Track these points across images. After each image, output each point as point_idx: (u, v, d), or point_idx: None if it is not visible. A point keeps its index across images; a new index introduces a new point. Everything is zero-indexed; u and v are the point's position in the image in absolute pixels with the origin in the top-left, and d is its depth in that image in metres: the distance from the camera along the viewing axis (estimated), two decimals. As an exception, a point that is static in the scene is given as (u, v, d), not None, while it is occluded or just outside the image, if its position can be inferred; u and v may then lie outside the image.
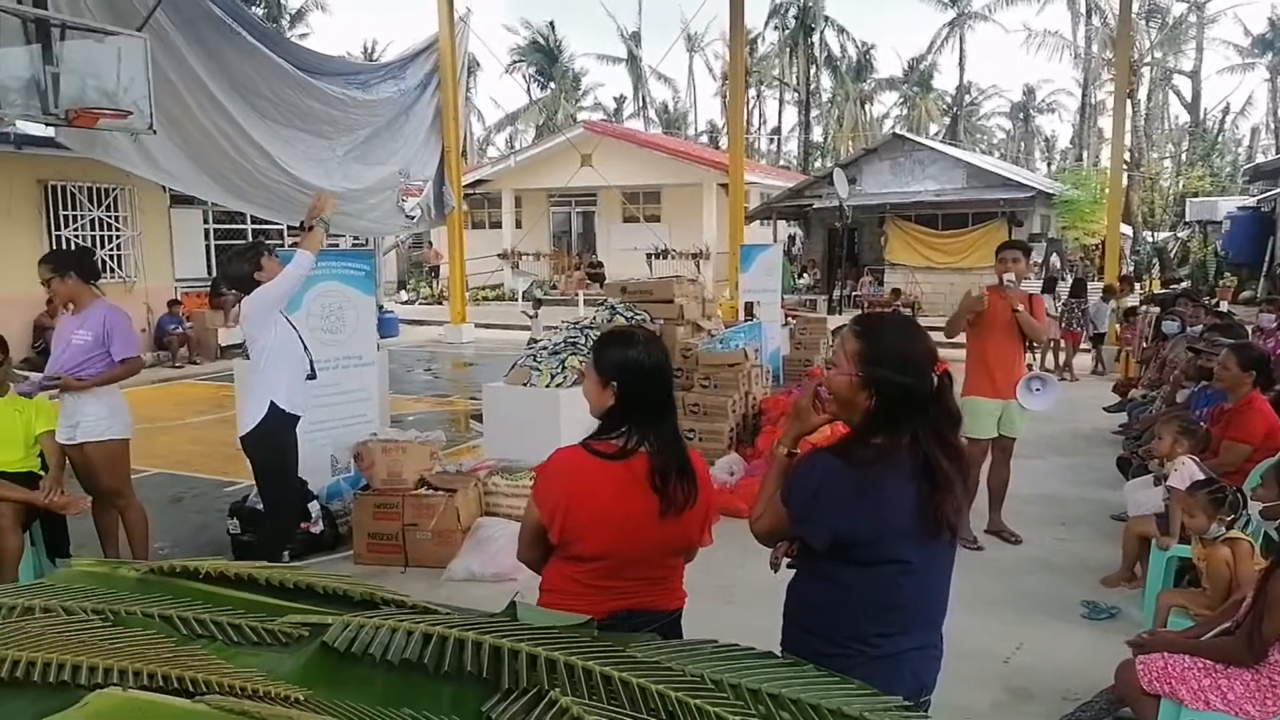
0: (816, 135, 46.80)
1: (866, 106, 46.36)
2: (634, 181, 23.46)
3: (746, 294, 10.45)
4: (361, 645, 1.84)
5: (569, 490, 2.22)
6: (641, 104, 47.06)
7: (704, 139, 46.00)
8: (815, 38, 42.74)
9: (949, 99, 47.37)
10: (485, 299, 23.09)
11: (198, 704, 1.62)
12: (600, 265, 23.77)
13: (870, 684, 1.85)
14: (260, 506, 4.97)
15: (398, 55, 13.44)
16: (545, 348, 6.76)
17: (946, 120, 46.91)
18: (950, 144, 29.50)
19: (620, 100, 48.64)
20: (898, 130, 28.18)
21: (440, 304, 21.81)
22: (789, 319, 11.45)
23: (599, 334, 2.77)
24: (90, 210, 13.98)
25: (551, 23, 44.15)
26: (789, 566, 2.19)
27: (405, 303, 23.67)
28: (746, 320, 9.43)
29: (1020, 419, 5.35)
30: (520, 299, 22.60)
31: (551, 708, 1.65)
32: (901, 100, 48.05)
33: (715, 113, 49.91)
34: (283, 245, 16.45)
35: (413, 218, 13.45)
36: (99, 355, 4.49)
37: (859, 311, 11.01)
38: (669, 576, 2.35)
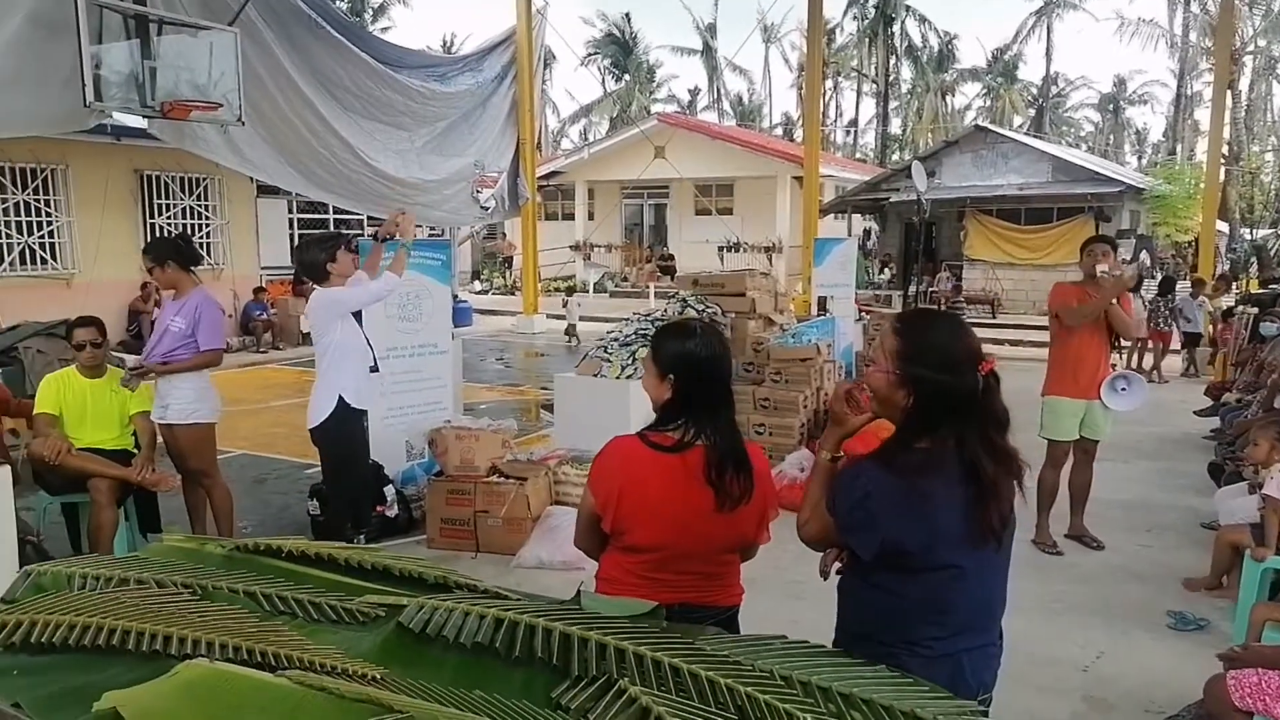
0: (894, 127, 45.92)
1: (947, 98, 45.26)
2: (707, 174, 23.34)
3: (820, 288, 10.31)
4: (436, 627, 1.88)
5: (623, 480, 2.23)
6: (716, 96, 46.80)
7: (778, 131, 45.52)
8: (895, 27, 41.86)
9: (1035, 90, 45.92)
10: (557, 290, 23.29)
11: (279, 678, 1.67)
12: (671, 258, 23.75)
13: (933, 686, 1.82)
14: (336, 490, 5.11)
15: (475, 48, 13.63)
16: (616, 339, 6.78)
17: (1031, 112, 45.50)
18: (1035, 137, 28.60)
19: (694, 92, 48.47)
20: (980, 122, 27.39)
21: (513, 294, 22.09)
22: (863, 314, 11.27)
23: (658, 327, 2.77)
24: (182, 199, 14.55)
25: (627, 15, 44.19)
26: (838, 573, 2.17)
27: (479, 293, 24.05)
28: (819, 315, 9.31)
29: (1104, 420, 5.16)
30: (592, 291, 22.78)
31: (620, 696, 1.66)
32: (984, 91, 46.77)
33: (791, 105, 49.43)
34: (361, 235, 16.87)
35: (487, 209, 13.64)
36: (190, 343, 4.65)
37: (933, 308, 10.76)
38: (725, 573, 2.33)
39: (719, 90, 46.72)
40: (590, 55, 44.02)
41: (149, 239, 13.95)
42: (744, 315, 7.15)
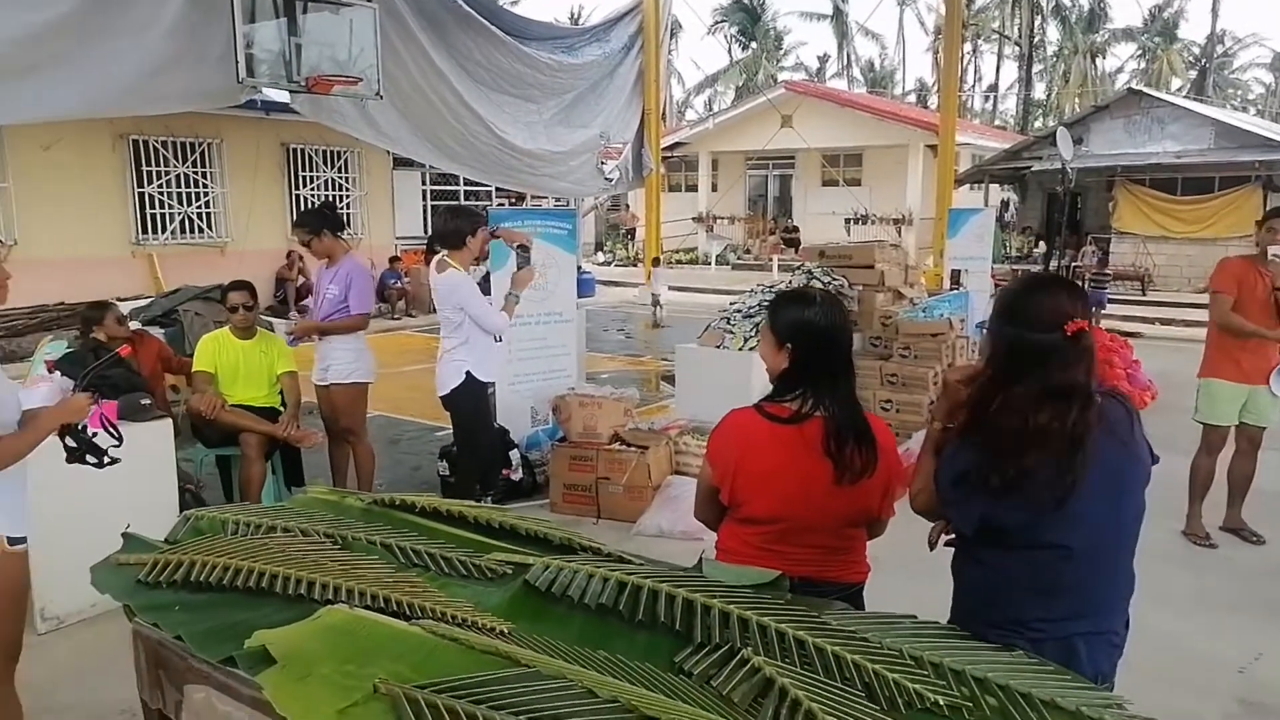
0: (1038, 92, 43.47)
1: (1097, 60, 42.45)
2: (835, 143, 22.74)
3: (953, 261, 9.92)
4: (561, 586, 1.92)
5: (740, 451, 2.21)
6: (845, 62, 45.45)
7: (911, 99, 43.85)
8: (1042, -15, 39.52)
9: (1196, 50, 42.55)
10: (679, 262, 23.27)
11: (414, 626, 1.74)
12: (796, 230, 23.32)
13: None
14: (464, 452, 5.31)
15: (603, 19, 13.64)
16: (739, 311, 6.72)
17: (1192, 74, 42.20)
18: (1196, 100, 26.53)
19: (823, 59, 47.21)
20: (1134, 85, 25.61)
21: (635, 266, 22.20)
22: (998, 288, 10.78)
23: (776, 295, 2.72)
24: (325, 171, 15.25)
25: (756, -19, 43.32)
26: (946, 544, 2.10)
27: (602, 264, 24.27)
28: (952, 289, 8.96)
29: (1271, 407, 4.77)
30: (714, 263, 22.65)
31: (744, 666, 1.64)
32: (1139, 53, 43.65)
33: (925, 70, 47.46)
34: (490, 205, 17.29)
35: (611, 180, 13.68)
36: (344, 308, 4.93)
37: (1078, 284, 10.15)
38: (848, 547, 2.28)
39: (849, 56, 45.37)
40: (717, 23, 43.44)
41: (294, 209, 14.72)
42: (872, 288, 6.94)
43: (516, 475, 5.58)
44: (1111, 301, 14.53)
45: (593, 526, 5.10)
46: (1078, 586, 1.88)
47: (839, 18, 43.45)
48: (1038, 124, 38.77)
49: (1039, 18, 40.69)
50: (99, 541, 2.36)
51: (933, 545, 2.18)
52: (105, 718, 3.15)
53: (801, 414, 2.17)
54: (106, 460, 2.70)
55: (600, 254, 25.96)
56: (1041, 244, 20.62)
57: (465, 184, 17.72)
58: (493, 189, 17.47)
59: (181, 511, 3.95)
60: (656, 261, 15.93)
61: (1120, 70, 44.06)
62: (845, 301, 6.54)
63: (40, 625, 3.72)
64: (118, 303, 5.88)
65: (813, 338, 2.20)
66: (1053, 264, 18.85)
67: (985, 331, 2.01)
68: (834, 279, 6.77)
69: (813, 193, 25.15)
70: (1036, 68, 42.20)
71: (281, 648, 1.63)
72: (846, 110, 23.07)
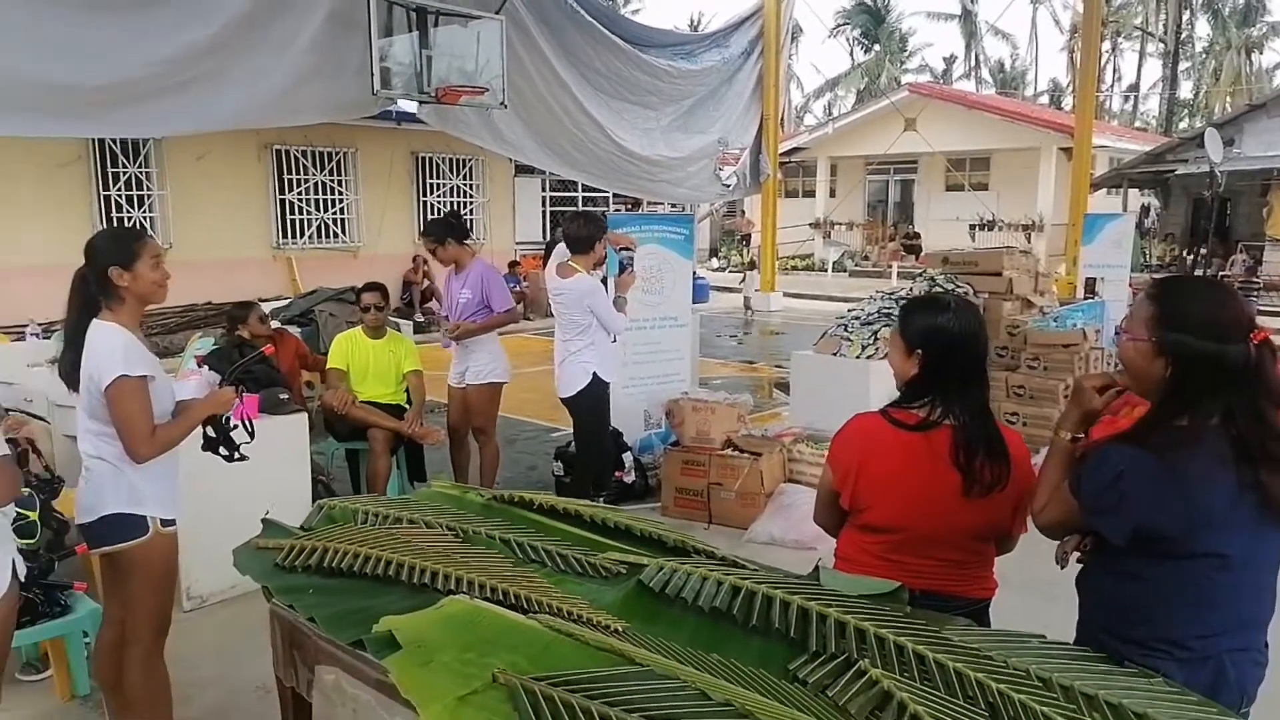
0: (1184, 91, 40.96)
1: (1252, 56, 39.66)
2: (961, 147, 22.01)
3: (1088, 269, 9.44)
4: (675, 588, 1.92)
5: (862, 456, 2.16)
6: (974, 63, 43.97)
7: (1044, 100, 42.03)
8: (1191, -22, 37.24)
9: (1366, 42, 39.19)
10: (795, 268, 22.99)
11: (531, 620, 1.78)
12: (917, 236, 22.70)
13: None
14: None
15: (723, 24, 13.63)
16: (858, 318, 6.58)
17: (1361, 68, 38.91)
18: (1365, 96, 24.42)
19: (950, 60, 45.78)
20: (1292, 82, 23.83)
21: (750, 271, 22.04)
22: (1147, 291, 10.18)
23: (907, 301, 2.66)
24: (450, 179, 15.80)
25: (880, -18, 42.45)
26: (1079, 561, 1.99)
27: (716, 269, 24.22)
28: (1086, 298, 8.53)
29: None
30: (830, 270, 22.28)
31: (861, 678, 1.61)
32: (1300, 46, 40.53)
33: (1059, 70, 45.50)
34: (608, 210, 17.54)
35: (729, 186, 13.65)
36: (481, 311, 5.09)
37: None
38: (975, 561, 2.20)
39: (977, 57, 43.87)
40: (839, 26, 42.77)
41: (422, 215, 15.31)
42: (999, 296, 6.68)
43: (629, 478, 5.63)
44: (1261, 313, 13.54)
45: (704, 532, 5.09)
46: (1230, 599, 1.76)
47: (967, 18, 42.10)
48: (1182, 125, 36.52)
49: (1187, 12, 38.33)
50: (239, 526, 2.51)
51: (1063, 562, 2.08)
52: (242, 693, 3.34)
53: (929, 421, 2.11)
54: (236, 456, 2.87)
55: (715, 259, 25.92)
56: (1191, 253, 19.36)
57: (583, 190, 18.03)
58: (610, 195, 17.71)
59: (314, 501, 4.17)
60: (752, 265, 15.96)
61: (1278, 67, 41.05)
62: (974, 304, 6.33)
63: (185, 604, 3.98)
64: (260, 302, 6.25)
65: (944, 345, 2.13)
66: (1199, 272, 17.71)
67: (1126, 338, 1.87)
68: (958, 286, 6.55)
69: (936, 198, 24.42)
70: (1183, 65, 39.76)
71: (406, 634, 1.69)
72: (974, 112, 22.31)
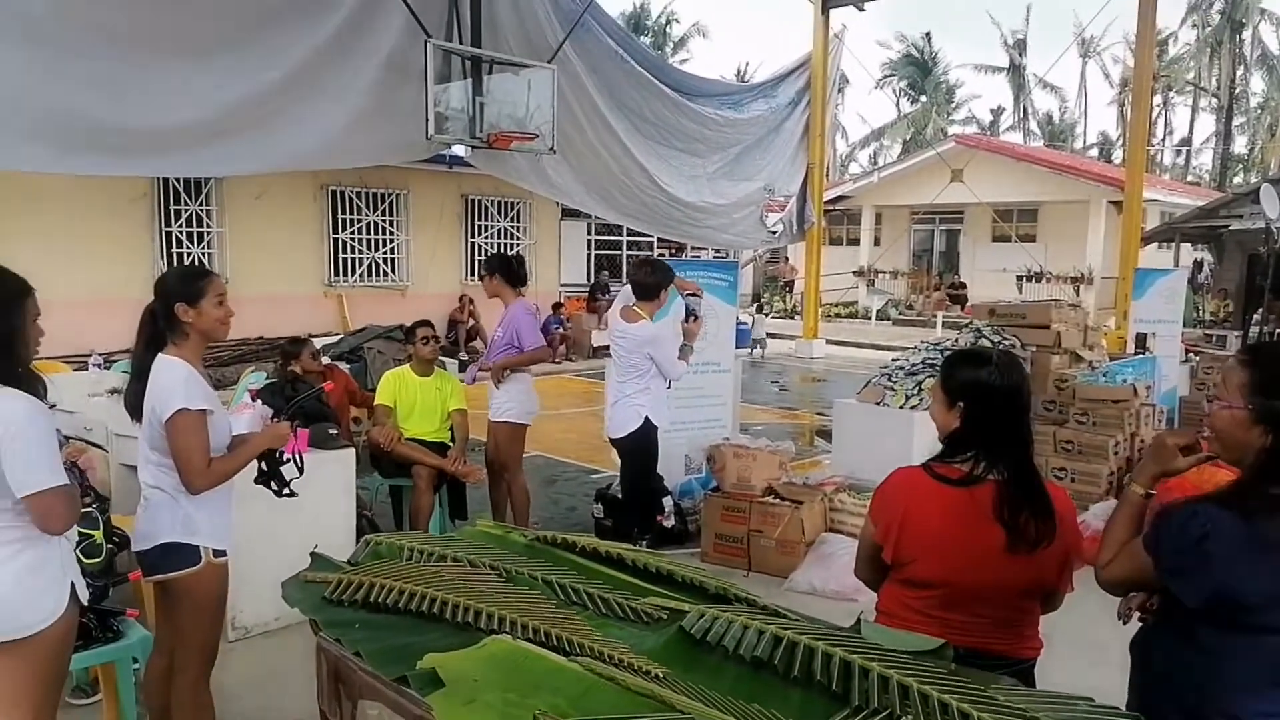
0: (1238, 146, 40.39)
1: (1310, 112, 39.07)
2: (1008, 198, 21.90)
3: (1138, 324, 9.28)
4: (716, 635, 1.92)
5: (904, 511, 2.15)
6: (1022, 115, 43.82)
7: (1093, 153, 41.71)
8: (1245, 34, 36.91)
9: None
10: (838, 316, 22.90)
11: (573, 662, 1.79)
12: (963, 286, 22.51)
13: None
14: (620, 495, 5.39)
15: (771, 74, 13.83)
16: (901, 368, 6.54)
17: None
18: None
19: (997, 112, 45.69)
20: (1352, 138, 23.39)
21: (793, 319, 22.02)
22: (1190, 355, 10.00)
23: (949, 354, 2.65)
24: (499, 221, 16.10)
25: (928, 34, 42.66)
26: (1140, 620, 1.94)
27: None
28: (1137, 353, 8.38)
29: None
30: (874, 318, 22.17)
31: (905, 734, 1.59)
32: (1359, 103, 39.83)
33: (1109, 123, 45.11)
34: (651, 254, 17.68)
35: (774, 233, 13.73)
36: (511, 349, 5.20)
37: (1284, 351, 9.27)
38: (1019, 620, 2.17)
39: (1026, 109, 43.74)
40: (885, 78, 43.03)
41: (470, 256, 15.60)
42: (1046, 349, 6.60)
43: (669, 522, 5.61)
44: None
45: (742, 579, 5.05)
46: None
47: (1016, 71, 42.09)
48: (1237, 179, 35.97)
49: (1241, 67, 37.95)
50: (284, 558, 2.56)
51: (1125, 618, 2.04)
52: (283, 725, 3.37)
53: (973, 476, 2.10)
54: (285, 492, 2.93)
55: (757, 306, 25.92)
56: (1243, 308, 18.93)
57: (628, 234, 18.23)
58: (654, 239, 17.88)
59: (358, 535, 4.22)
60: (759, 304, 16.14)
61: (1337, 123, 40.28)
62: (1017, 358, 6.26)
63: (230, 634, 4.03)
64: (310, 338, 6.40)
65: (988, 399, 2.13)
66: (1253, 331, 17.30)
67: (1219, 406, 1.82)
68: (1004, 338, 6.49)
69: (982, 248, 24.26)
70: (1237, 120, 39.27)
71: (449, 672, 1.71)
72: (1021, 164, 22.21)
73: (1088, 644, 3.81)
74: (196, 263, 12.65)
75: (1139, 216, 14.07)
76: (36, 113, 4.83)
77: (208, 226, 12.81)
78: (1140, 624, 1.94)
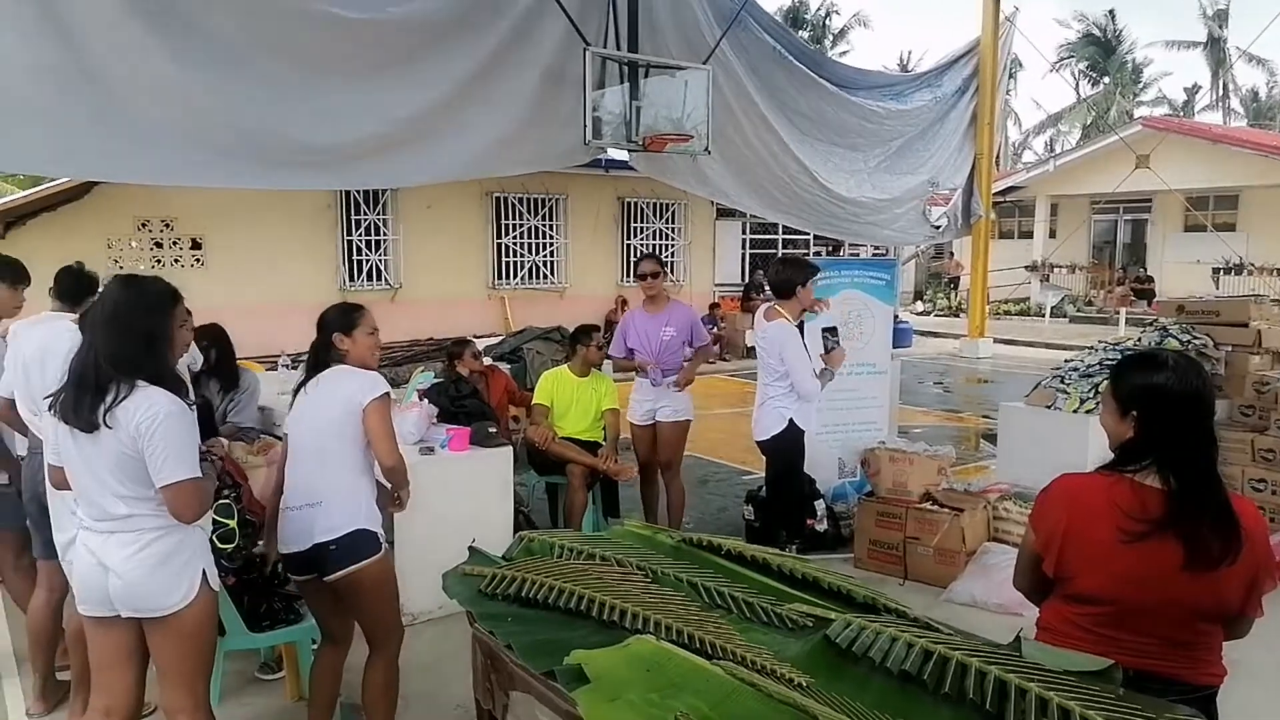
0: None
1: None
2: (1203, 184, 20.11)
3: (1357, 320, 8.32)
4: (862, 646, 1.88)
5: (1069, 520, 2.02)
6: (1221, 92, 40.17)
7: (1308, 130, 37.70)
8: None
9: None
10: (1008, 313, 21.76)
11: (715, 666, 1.79)
12: (1150, 280, 20.87)
13: None
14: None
15: (935, 63, 13.29)
16: (1076, 369, 6.14)
17: None
18: None
19: (1192, 91, 42.07)
20: None
21: (958, 316, 21.10)
22: None
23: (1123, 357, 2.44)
24: (654, 222, 16.29)
25: (1111, 11, 39.81)
26: None
27: (921, 313, 23.37)
28: (1354, 353, 7.51)
29: None
30: (1048, 315, 20.92)
31: (1063, 762, 1.50)
32: None
33: (1328, 96, 40.54)
34: (807, 253, 17.40)
35: (938, 227, 13.18)
36: (681, 349, 5.35)
37: None
38: (1198, 643, 1.99)
39: (1226, 86, 40.06)
40: (1062, 60, 40.47)
41: (625, 258, 15.88)
42: (1244, 349, 6.02)
43: (821, 526, 5.51)
44: None
45: (898, 588, 4.89)
46: None
47: (1214, 45, 38.61)
48: None
49: None
50: (449, 551, 2.69)
51: None
52: (444, 711, 3.54)
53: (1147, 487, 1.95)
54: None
55: (920, 303, 25.01)
56: None
57: (783, 232, 18.01)
58: (810, 237, 17.58)
59: (515, 530, 4.39)
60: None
61: None
62: (1209, 363, 5.75)
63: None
64: (474, 339, 6.69)
65: (1163, 407, 1.97)
66: None
67: None
68: (1195, 337, 5.98)
69: (1172, 239, 22.42)
70: None
71: (595, 668, 1.76)
72: (1219, 147, 20.33)
73: (1290, 675, 3.46)
74: (374, 269, 13.51)
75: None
76: (230, 131, 5.27)
77: (384, 235, 13.63)
78: None
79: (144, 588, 2.39)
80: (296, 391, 3.02)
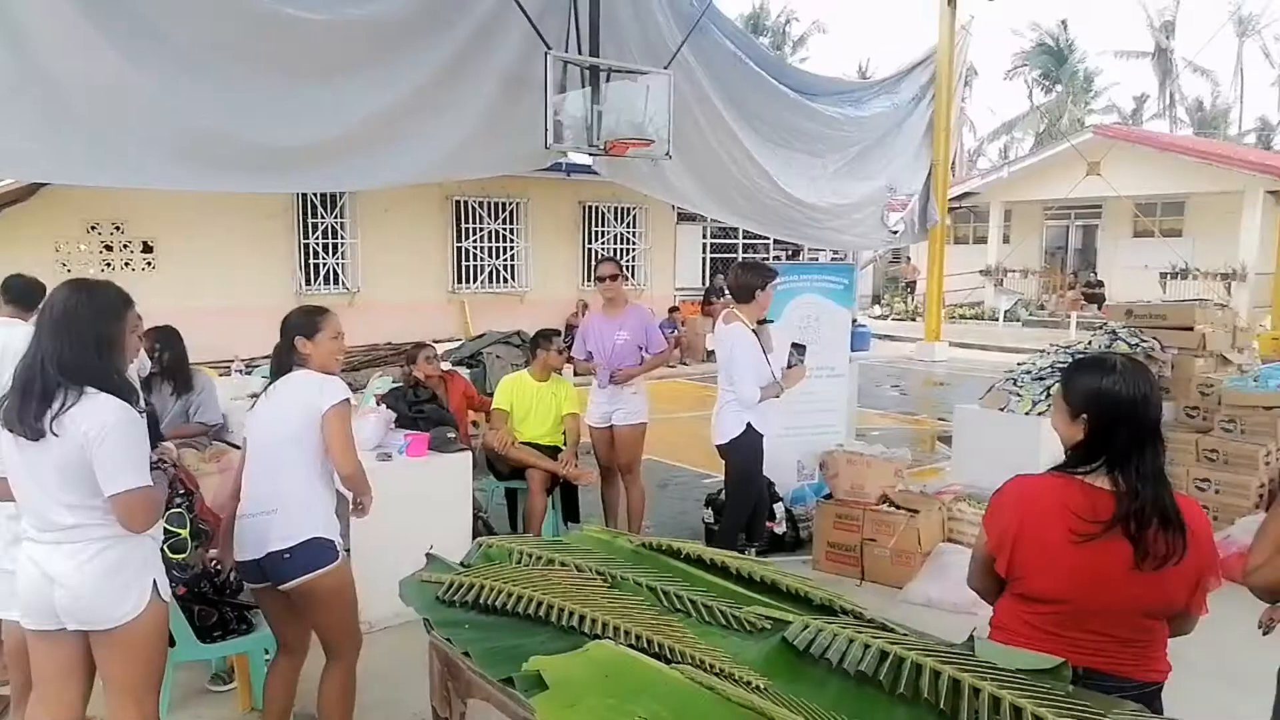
0: None
1: None
2: (1151, 190, 20.63)
3: (1296, 324, 8.60)
4: (819, 648, 1.90)
5: (1021, 521, 2.05)
6: (1168, 102, 41.22)
7: (1250, 140, 38.83)
8: None
9: None
10: (963, 317, 22.11)
11: (673, 670, 1.80)
12: (1100, 284, 21.34)
13: None
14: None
15: (893, 71, 13.48)
16: (1028, 372, 6.26)
17: None
18: None
19: (1140, 100, 43.11)
20: None
21: (915, 320, 21.40)
22: None
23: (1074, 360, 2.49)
24: (615, 226, 16.29)
25: (1064, 21, 40.76)
26: None
27: (878, 317, 23.65)
28: (1294, 356, 7.76)
29: None
30: (1002, 319, 21.29)
31: (1014, 759, 1.53)
32: None
33: (1268, 107, 41.87)
34: (767, 257, 17.55)
35: (896, 232, 13.35)
36: (635, 354, 5.35)
37: None
38: (1145, 640, 2.04)
39: (1172, 95, 41.12)
40: (1017, 68, 41.29)
41: (586, 261, 15.87)
42: (1189, 352, 6.19)
43: (780, 528, 5.55)
44: None
45: (855, 588, 4.94)
46: None
47: (1162, 55, 39.64)
48: None
49: None
50: (406, 558, 2.67)
51: (1267, 630, 1.90)
52: None
53: (1096, 488, 1.99)
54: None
55: (877, 307, 25.31)
56: None
57: (744, 236, 18.14)
58: (770, 241, 17.73)
59: (474, 536, 4.36)
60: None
61: None
62: (1155, 366, 5.89)
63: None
64: (433, 344, 6.64)
65: (1112, 409, 2.02)
66: None
67: None
68: (1143, 341, 6.13)
69: (1122, 244, 22.95)
70: None
71: (553, 675, 1.75)
72: (1167, 154, 20.86)
73: (1228, 670, 3.56)
74: (332, 272, 13.35)
75: (1300, 207, 13.02)
76: (182, 134, 5.17)
77: (342, 238, 13.47)
78: None
79: (92, 599, 2.33)
80: (258, 396, 2.98)
